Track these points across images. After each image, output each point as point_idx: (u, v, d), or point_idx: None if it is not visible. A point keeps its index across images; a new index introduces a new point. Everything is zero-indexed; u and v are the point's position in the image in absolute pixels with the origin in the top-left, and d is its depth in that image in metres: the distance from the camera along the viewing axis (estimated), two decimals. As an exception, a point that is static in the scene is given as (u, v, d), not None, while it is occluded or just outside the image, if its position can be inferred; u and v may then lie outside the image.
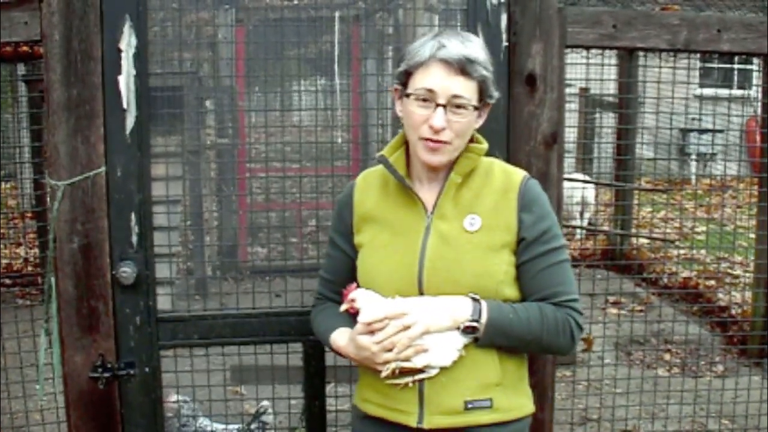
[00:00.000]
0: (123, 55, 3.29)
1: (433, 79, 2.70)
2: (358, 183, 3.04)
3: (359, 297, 2.82)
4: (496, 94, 2.82)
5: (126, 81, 3.30)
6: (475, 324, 2.74)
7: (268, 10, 9.75)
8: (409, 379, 2.78)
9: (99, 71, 3.27)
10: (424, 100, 2.72)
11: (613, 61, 6.27)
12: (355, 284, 2.89)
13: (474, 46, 2.73)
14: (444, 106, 2.69)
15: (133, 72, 3.30)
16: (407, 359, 2.73)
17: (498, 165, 2.95)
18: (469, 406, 2.81)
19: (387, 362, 2.74)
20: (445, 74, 2.69)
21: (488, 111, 2.87)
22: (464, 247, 2.80)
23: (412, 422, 2.80)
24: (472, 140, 2.87)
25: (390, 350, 2.72)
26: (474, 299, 2.75)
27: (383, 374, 2.76)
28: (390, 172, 2.87)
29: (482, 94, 2.76)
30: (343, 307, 2.87)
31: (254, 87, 8.40)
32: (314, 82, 9.10)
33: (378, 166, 2.98)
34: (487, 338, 2.77)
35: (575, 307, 2.87)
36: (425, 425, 2.79)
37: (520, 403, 2.93)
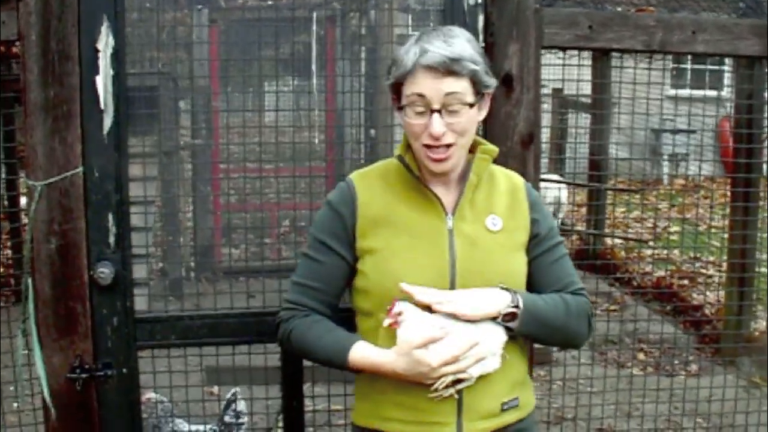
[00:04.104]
0: (100, 55, 3.27)
1: (422, 86, 2.64)
2: (358, 184, 2.87)
3: (405, 310, 2.66)
4: (491, 81, 2.75)
5: (104, 81, 3.28)
6: (515, 309, 2.72)
7: (240, 11, 9.75)
8: (452, 389, 2.69)
9: (76, 71, 3.25)
10: (419, 109, 2.67)
11: (587, 62, 6.29)
12: (398, 298, 2.66)
13: (458, 43, 2.66)
14: (439, 110, 2.64)
15: (111, 72, 3.29)
16: (464, 370, 2.66)
17: (495, 167, 2.96)
18: (505, 407, 2.81)
19: (443, 376, 2.65)
20: (433, 79, 2.63)
21: (489, 100, 2.82)
22: (491, 247, 2.80)
23: None
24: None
25: (448, 363, 2.63)
26: (505, 288, 2.75)
27: (439, 387, 2.66)
28: (408, 173, 2.80)
29: (476, 87, 2.69)
30: (387, 322, 2.66)
31: (227, 87, 8.38)
32: (288, 83, 9.09)
33: (370, 166, 2.95)
34: (524, 325, 2.74)
35: (587, 295, 2.95)
36: None
37: (532, 397, 2.97)
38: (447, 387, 2.67)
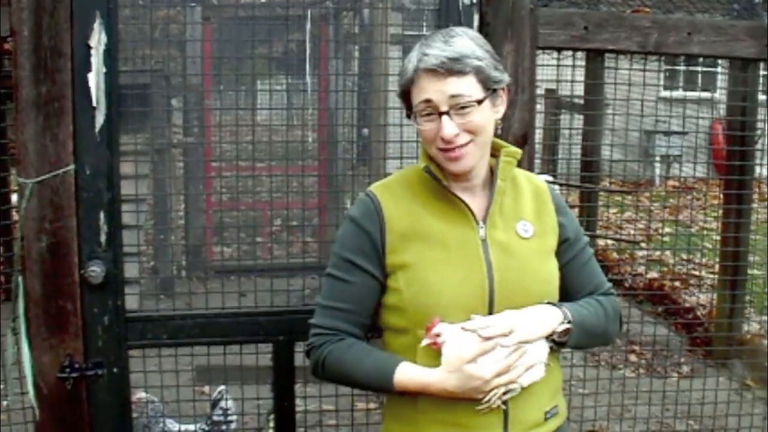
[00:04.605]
0: (93, 52, 3.25)
1: (427, 91, 2.59)
2: (381, 197, 2.75)
3: (445, 330, 2.58)
4: (501, 76, 2.68)
5: (96, 78, 3.26)
6: (569, 326, 2.71)
7: (234, 8, 9.73)
8: (498, 401, 2.61)
9: (69, 68, 3.23)
10: (428, 114, 2.61)
11: (580, 62, 6.28)
12: (438, 318, 2.58)
13: (458, 41, 2.60)
14: (447, 112, 2.58)
15: (103, 69, 3.27)
16: (514, 380, 2.62)
17: (516, 169, 2.88)
18: (548, 416, 2.78)
19: (495, 388, 2.59)
20: (436, 82, 2.57)
21: (507, 96, 2.74)
22: (525, 255, 2.74)
23: None
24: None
25: (501, 374, 2.58)
26: (552, 304, 2.74)
27: (490, 400, 2.60)
28: (435, 182, 2.71)
29: (483, 83, 2.62)
30: (426, 342, 2.58)
31: (220, 85, 8.36)
32: (281, 81, 9.07)
33: (388, 177, 2.87)
34: (574, 339, 2.74)
35: (615, 293, 2.96)
36: None
37: (565, 402, 2.93)
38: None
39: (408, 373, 2.63)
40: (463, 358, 2.55)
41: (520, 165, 2.89)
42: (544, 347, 2.69)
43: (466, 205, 2.71)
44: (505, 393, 2.62)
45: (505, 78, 2.70)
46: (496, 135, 2.78)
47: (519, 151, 2.81)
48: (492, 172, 2.80)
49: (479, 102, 2.60)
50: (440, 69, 2.56)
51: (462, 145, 2.61)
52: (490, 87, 2.64)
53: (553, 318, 2.71)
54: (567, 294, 2.85)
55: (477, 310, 2.63)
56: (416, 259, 2.67)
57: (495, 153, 2.79)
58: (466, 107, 2.58)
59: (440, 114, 2.58)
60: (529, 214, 2.81)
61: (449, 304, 2.62)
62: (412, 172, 2.82)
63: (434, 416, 2.67)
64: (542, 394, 2.76)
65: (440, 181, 2.70)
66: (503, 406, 2.64)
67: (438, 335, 2.57)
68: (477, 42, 2.65)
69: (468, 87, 2.58)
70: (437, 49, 2.58)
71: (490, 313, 2.65)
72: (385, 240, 2.70)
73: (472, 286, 2.65)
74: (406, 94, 2.69)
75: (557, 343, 2.72)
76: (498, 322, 2.60)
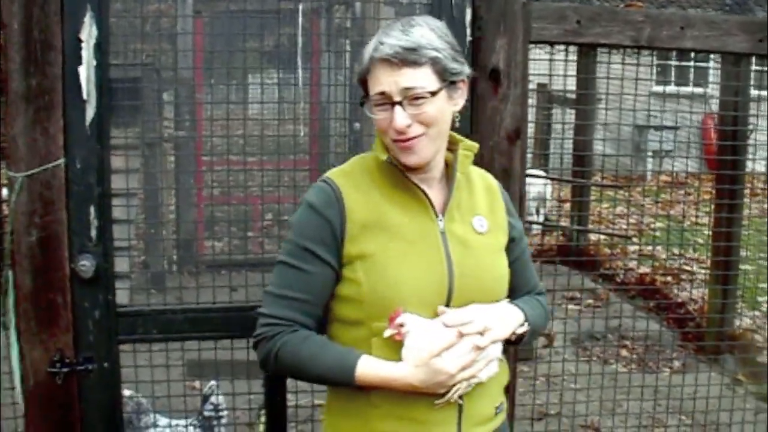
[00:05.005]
0: (84, 45, 3.23)
1: (381, 81, 2.55)
2: (342, 185, 2.68)
3: (408, 321, 2.55)
4: (460, 68, 2.64)
5: (87, 72, 3.24)
6: (527, 329, 2.76)
7: (225, 2, 9.71)
8: (455, 394, 2.60)
9: (59, 61, 3.21)
10: (382, 103, 2.58)
11: (572, 57, 6.27)
12: (401, 308, 2.54)
13: (416, 31, 2.55)
14: (400, 102, 2.54)
15: (94, 63, 3.25)
16: (475, 375, 2.62)
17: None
18: (497, 411, 2.80)
19: (458, 383, 2.58)
20: (390, 72, 2.53)
21: (466, 89, 2.70)
22: (481, 250, 2.74)
23: None
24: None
25: (465, 368, 2.57)
26: (513, 304, 2.78)
27: (453, 396, 2.59)
28: (398, 172, 2.67)
29: (440, 75, 2.58)
30: (388, 333, 2.54)
31: (211, 79, 8.34)
32: (272, 75, 9.06)
33: (345, 165, 2.81)
34: (525, 339, 2.79)
35: (545, 293, 3.01)
36: None
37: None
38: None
39: (371, 368, 2.58)
40: (432, 353, 2.53)
41: (512, 159, 2.90)
42: (500, 343, 2.71)
43: (427, 197, 2.69)
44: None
45: (465, 70, 2.67)
46: (453, 128, 2.75)
47: (476, 145, 2.80)
48: (447, 166, 2.78)
49: (433, 94, 2.56)
50: (394, 59, 2.52)
51: (415, 137, 2.58)
52: (447, 79, 2.60)
53: (516, 318, 2.75)
54: (509, 292, 2.85)
55: (436, 304, 2.63)
56: (376, 249, 2.62)
57: (452, 147, 2.77)
58: (419, 98, 2.54)
59: (393, 104, 2.55)
60: (483, 209, 2.82)
61: (409, 296, 2.59)
62: (369, 160, 2.78)
63: (389, 411, 2.64)
64: (493, 389, 2.78)
65: (403, 171, 2.67)
66: (460, 401, 2.64)
67: (402, 325, 2.54)
68: (437, 32, 2.60)
69: (422, 78, 2.55)
70: (394, 38, 2.54)
71: (447, 306, 2.64)
72: (344, 229, 2.63)
73: (433, 278, 2.63)
74: (363, 82, 2.65)
75: (508, 341, 2.75)
76: (475, 319, 2.60)
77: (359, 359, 2.58)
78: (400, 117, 2.54)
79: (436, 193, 2.74)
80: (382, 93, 2.56)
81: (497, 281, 2.76)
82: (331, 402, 2.82)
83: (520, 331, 2.75)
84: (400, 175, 2.68)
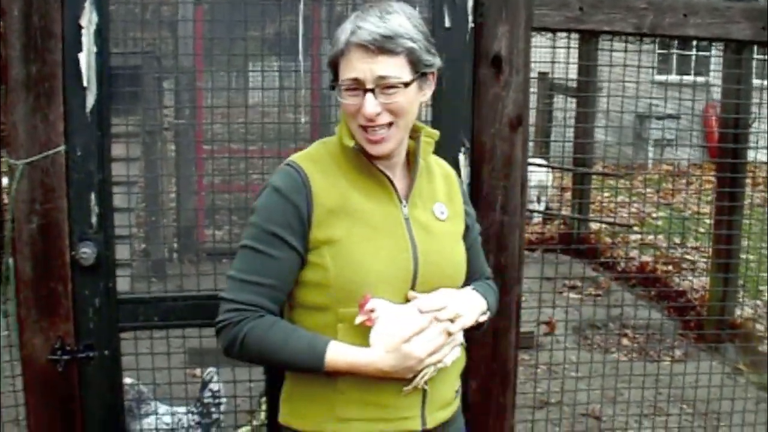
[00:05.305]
0: (84, 32, 3.22)
1: (355, 66, 2.52)
2: (308, 170, 2.65)
3: (379, 306, 2.54)
4: (433, 60, 2.63)
5: (87, 58, 3.23)
6: (489, 316, 2.81)
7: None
8: (423, 379, 2.61)
9: (59, 48, 3.20)
10: (353, 89, 2.55)
11: (574, 44, 6.25)
12: (369, 294, 2.54)
13: (394, 19, 2.53)
14: (372, 90, 2.52)
15: (94, 49, 3.24)
16: (441, 360, 2.63)
17: None
18: (456, 394, 2.83)
19: (425, 368, 2.58)
20: (365, 58, 2.51)
21: (435, 81, 2.70)
22: (442, 237, 2.75)
23: (417, 426, 2.68)
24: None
25: (433, 354, 2.58)
26: (476, 291, 2.81)
27: (421, 381, 2.60)
28: (364, 158, 2.65)
29: (414, 66, 2.56)
30: (360, 319, 2.52)
31: (212, 66, 8.32)
32: (273, 63, 9.03)
33: (309, 149, 2.79)
34: (485, 326, 2.83)
35: (492, 277, 3.07)
36: (429, 425, 2.70)
37: None
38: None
39: (341, 353, 2.57)
40: (403, 338, 2.53)
41: (514, 146, 2.89)
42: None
43: (392, 183, 2.69)
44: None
45: (437, 62, 2.66)
46: (419, 118, 2.76)
47: (437, 132, 2.79)
48: (409, 153, 2.78)
49: (406, 84, 2.55)
50: (372, 45, 2.50)
51: (383, 126, 2.57)
52: (419, 70, 2.59)
53: (480, 306, 2.78)
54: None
55: (401, 289, 2.63)
56: (342, 234, 2.60)
57: (414, 134, 2.76)
58: (391, 87, 2.53)
59: (365, 91, 2.53)
60: (442, 196, 2.83)
61: (376, 281, 2.58)
62: (333, 145, 2.76)
63: (354, 397, 2.63)
64: (453, 373, 2.81)
65: (369, 157, 2.65)
66: (425, 386, 2.65)
67: (372, 311, 2.54)
68: (413, 21, 2.58)
69: (397, 68, 2.53)
70: (371, 24, 2.51)
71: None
72: (312, 214, 2.60)
73: (399, 264, 2.63)
74: (334, 65, 2.62)
75: (469, 328, 2.75)
76: (448, 305, 2.62)
77: (328, 345, 2.57)
78: (371, 105, 2.52)
79: (398, 180, 2.74)
80: (355, 79, 2.53)
81: (458, 267, 2.78)
82: (293, 388, 2.79)
83: (483, 319, 2.79)
84: (366, 162, 2.67)
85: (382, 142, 2.59)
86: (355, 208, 2.63)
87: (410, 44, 2.53)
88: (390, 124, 2.57)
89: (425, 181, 2.79)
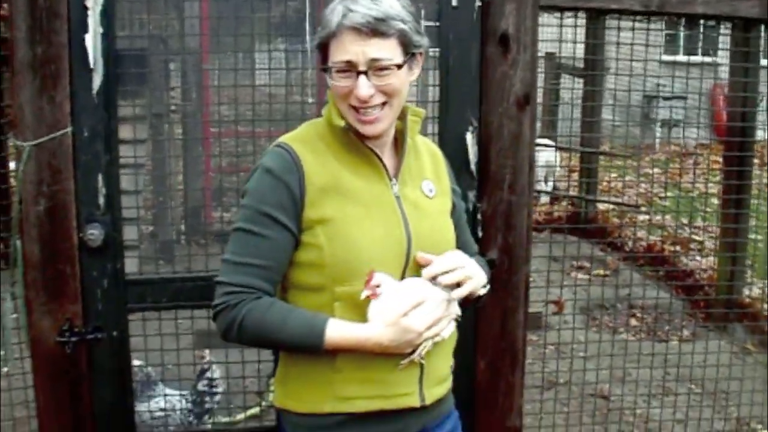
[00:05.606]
0: (90, 13, 3.21)
1: (347, 49, 2.52)
2: (299, 151, 2.64)
3: (384, 281, 2.55)
4: (422, 40, 2.63)
5: (93, 40, 3.23)
6: (487, 290, 2.81)
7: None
8: (421, 353, 2.61)
9: (65, 29, 3.20)
10: (345, 70, 2.55)
11: (581, 22, 6.23)
12: (374, 269, 2.55)
13: (385, 1, 2.53)
14: (365, 72, 2.52)
15: (100, 30, 3.24)
16: (438, 334, 2.63)
17: None
18: (451, 370, 2.84)
19: (424, 342, 2.58)
20: (358, 41, 2.50)
21: (422, 60, 2.71)
22: (432, 213, 2.76)
23: (415, 402, 2.68)
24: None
25: (431, 327, 2.58)
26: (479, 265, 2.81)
27: (419, 354, 2.60)
28: (355, 137, 2.66)
29: (405, 47, 2.57)
30: (366, 294, 2.52)
31: (218, 48, 8.30)
32: (279, 43, 9.02)
33: (298, 130, 2.79)
34: (482, 301, 2.85)
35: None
36: (427, 401, 2.70)
37: None
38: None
39: (340, 330, 2.56)
40: (401, 312, 2.53)
41: (521, 125, 2.89)
42: (456, 302, 2.71)
43: (381, 162, 2.70)
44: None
45: (425, 42, 2.66)
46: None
47: (422, 111, 2.80)
48: (396, 131, 2.78)
49: (399, 66, 2.56)
50: (364, 28, 2.49)
51: (377, 106, 2.57)
52: (410, 51, 2.60)
53: (482, 278, 2.78)
54: None
55: (395, 266, 2.63)
56: (335, 214, 2.60)
57: (400, 114, 2.74)
58: (384, 69, 2.54)
59: (358, 73, 2.53)
60: (429, 174, 2.84)
61: (370, 259, 2.58)
62: (321, 125, 2.76)
63: (353, 375, 2.63)
64: (448, 349, 2.82)
65: (360, 137, 2.66)
66: (422, 360, 2.65)
67: (378, 286, 2.54)
68: (402, 2, 2.58)
69: (390, 50, 2.54)
70: (363, 6, 2.50)
71: (404, 269, 2.65)
72: (304, 194, 2.60)
73: (392, 241, 2.64)
74: (324, 47, 2.61)
75: (465, 301, 2.75)
76: (460, 265, 2.66)
77: (327, 322, 2.56)
78: (365, 87, 2.53)
79: (387, 159, 2.74)
80: (348, 61, 2.53)
81: (449, 243, 2.77)
82: (288, 370, 2.77)
83: (482, 292, 2.79)
84: (355, 140, 2.67)
85: (375, 122, 2.60)
86: (347, 187, 2.64)
87: (402, 26, 2.53)
88: (383, 104, 2.58)
89: (413, 159, 2.80)
